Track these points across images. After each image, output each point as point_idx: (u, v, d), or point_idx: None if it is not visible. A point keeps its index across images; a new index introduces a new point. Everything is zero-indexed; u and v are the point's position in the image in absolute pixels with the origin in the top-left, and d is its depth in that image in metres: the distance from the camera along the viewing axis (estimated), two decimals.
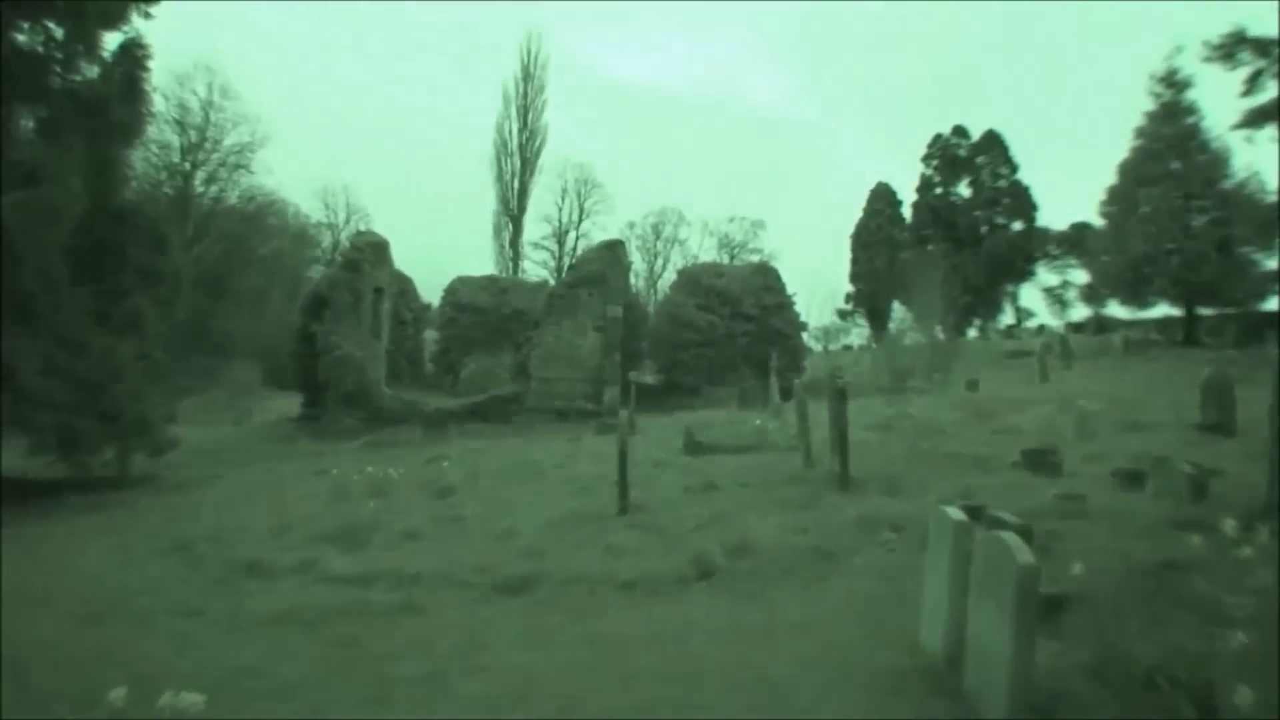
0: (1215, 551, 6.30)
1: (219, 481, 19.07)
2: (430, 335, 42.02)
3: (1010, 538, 4.98)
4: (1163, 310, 46.52)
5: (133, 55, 19.85)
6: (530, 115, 60.17)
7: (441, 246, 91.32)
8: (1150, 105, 45.61)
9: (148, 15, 19.53)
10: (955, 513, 6.09)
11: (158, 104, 37.54)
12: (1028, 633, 4.73)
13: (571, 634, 7.52)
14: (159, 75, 28.11)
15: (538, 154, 60.74)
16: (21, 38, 18.19)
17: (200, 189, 47.82)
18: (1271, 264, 35.67)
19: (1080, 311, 64.31)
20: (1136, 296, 45.47)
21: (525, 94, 60.26)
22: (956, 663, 5.58)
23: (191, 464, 21.98)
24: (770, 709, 5.58)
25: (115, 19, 19.02)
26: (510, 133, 60.17)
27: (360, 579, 9.62)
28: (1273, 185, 35.56)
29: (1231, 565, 5.76)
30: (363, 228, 49.24)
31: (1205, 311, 44.49)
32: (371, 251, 30.32)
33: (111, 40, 19.51)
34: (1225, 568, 5.95)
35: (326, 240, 63.15)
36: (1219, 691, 4.03)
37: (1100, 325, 53.96)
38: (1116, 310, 51.00)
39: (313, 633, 7.92)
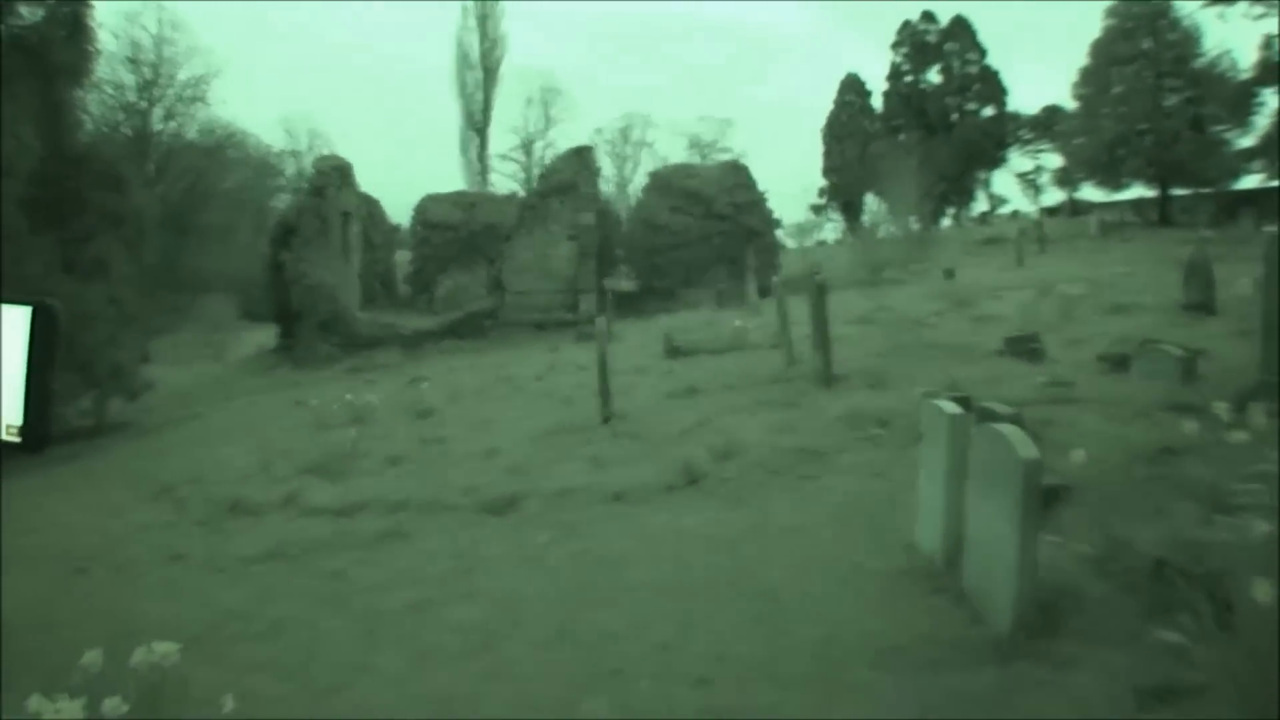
0: (1210, 435, 6.20)
1: (197, 421, 18.88)
2: (402, 256, 41.44)
3: (1011, 430, 4.86)
4: (1137, 191, 46.64)
5: None
6: (489, 24, 58.56)
7: (408, 166, 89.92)
8: None
9: None
10: (948, 406, 5.95)
11: (109, 43, 36.59)
12: (1032, 529, 4.63)
13: (561, 551, 7.44)
14: (107, 14, 27.29)
15: (499, 64, 59.20)
16: None
17: (158, 126, 46.58)
18: (1244, 142, 35.55)
19: (1054, 196, 64.43)
20: (1110, 178, 45.57)
21: (483, 2, 58.93)
22: (955, 561, 5.50)
23: (169, 405, 21.76)
24: (769, 617, 5.50)
25: None
26: (470, 44, 58.78)
27: (345, 509, 9.52)
28: (1244, 63, 35.40)
29: (1227, 449, 5.65)
30: (326, 152, 48.25)
31: (1179, 192, 44.59)
32: (336, 175, 29.83)
33: None
34: (1221, 452, 5.85)
35: (291, 168, 61.80)
36: (1230, 583, 3.91)
37: (1075, 208, 54.02)
38: (1090, 193, 51.21)
39: (299, 568, 7.83)
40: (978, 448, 5.17)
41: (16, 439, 0.93)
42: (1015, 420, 6.49)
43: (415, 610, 6.45)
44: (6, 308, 0.91)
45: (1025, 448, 4.64)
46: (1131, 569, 4.96)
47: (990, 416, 6.91)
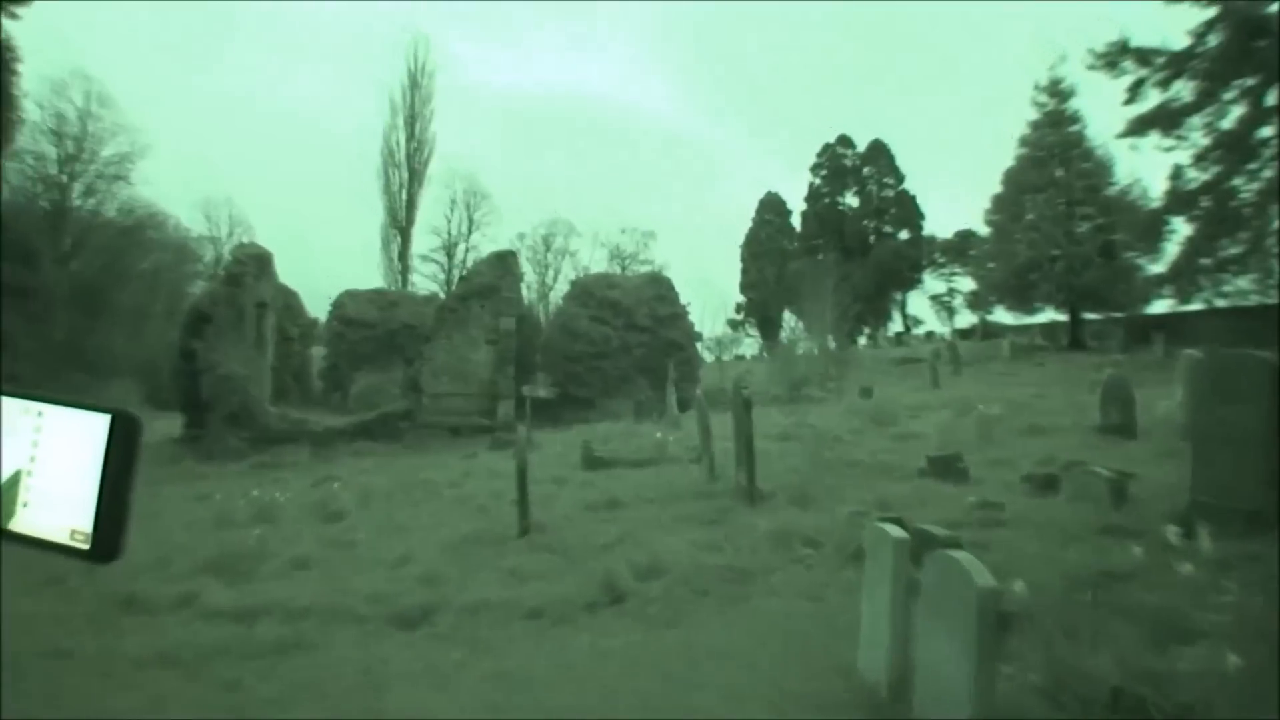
0: (1154, 559, 6.09)
1: None
2: (317, 351, 40.97)
3: (966, 558, 4.73)
4: (1048, 315, 48.01)
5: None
6: (418, 125, 59.00)
7: (328, 260, 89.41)
8: (1035, 114, 47.12)
9: (14, 16, 18.51)
10: (893, 530, 5.78)
11: (33, 113, 36.23)
12: (989, 658, 4.49)
13: (476, 671, 7.05)
14: (34, 83, 26.86)
15: (426, 164, 59.64)
16: None
17: (77, 201, 46.02)
18: (1154, 269, 36.62)
19: (967, 318, 66.05)
20: (1022, 302, 46.89)
21: (412, 103, 59.02)
22: (902, 690, 5.28)
23: None
24: None
25: None
26: (398, 143, 58.93)
27: (245, 614, 8.98)
28: (1155, 191, 36.60)
29: (1171, 574, 5.53)
30: (245, 240, 47.73)
31: (1090, 316, 45.89)
32: (254, 264, 29.39)
33: None
34: (1166, 577, 5.73)
35: (209, 254, 61.29)
36: (1199, 713, 3.75)
37: (987, 331, 55.19)
38: (1002, 316, 52.49)
39: (193, 675, 7.33)
40: (930, 573, 5.01)
41: (84, 545, 0.80)
42: (954, 543, 6.35)
43: None
44: (83, 414, 0.81)
45: (981, 575, 4.54)
46: (1086, 699, 4.77)
47: (928, 539, 6.76)
